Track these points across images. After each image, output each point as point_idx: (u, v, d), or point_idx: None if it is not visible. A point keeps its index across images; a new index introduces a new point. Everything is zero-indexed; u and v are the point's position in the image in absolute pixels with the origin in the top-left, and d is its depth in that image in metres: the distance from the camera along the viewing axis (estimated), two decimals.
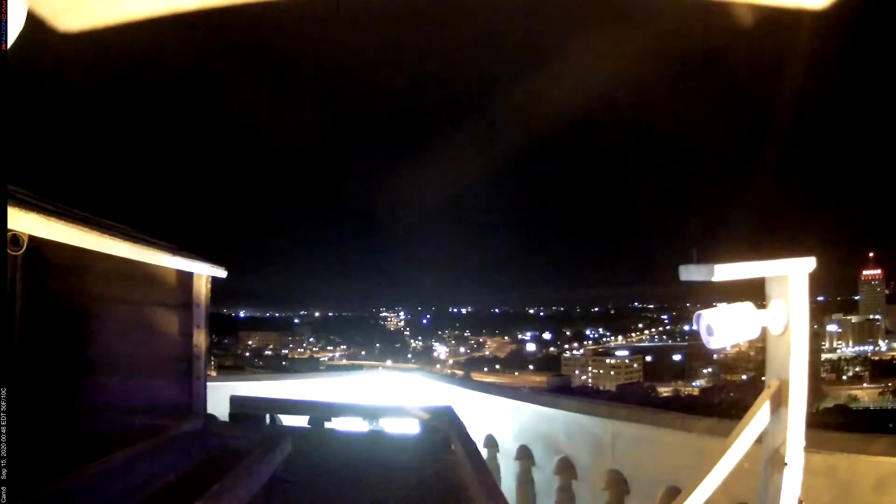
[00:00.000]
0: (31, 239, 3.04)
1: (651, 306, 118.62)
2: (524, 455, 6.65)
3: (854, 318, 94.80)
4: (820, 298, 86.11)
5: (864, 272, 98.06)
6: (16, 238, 2.95)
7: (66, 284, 3.93)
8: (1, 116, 1.76)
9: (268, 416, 6.59)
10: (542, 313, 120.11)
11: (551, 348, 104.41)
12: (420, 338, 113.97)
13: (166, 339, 5.15)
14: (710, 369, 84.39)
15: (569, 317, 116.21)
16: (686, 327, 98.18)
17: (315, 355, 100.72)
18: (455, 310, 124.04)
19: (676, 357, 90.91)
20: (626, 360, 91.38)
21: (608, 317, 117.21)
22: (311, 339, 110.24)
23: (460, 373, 67.32)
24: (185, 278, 5.24)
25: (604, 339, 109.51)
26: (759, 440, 2.15)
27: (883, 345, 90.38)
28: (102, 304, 4.39)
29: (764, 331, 2.15)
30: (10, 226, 2.73)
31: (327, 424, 6.40)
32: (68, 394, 3.82)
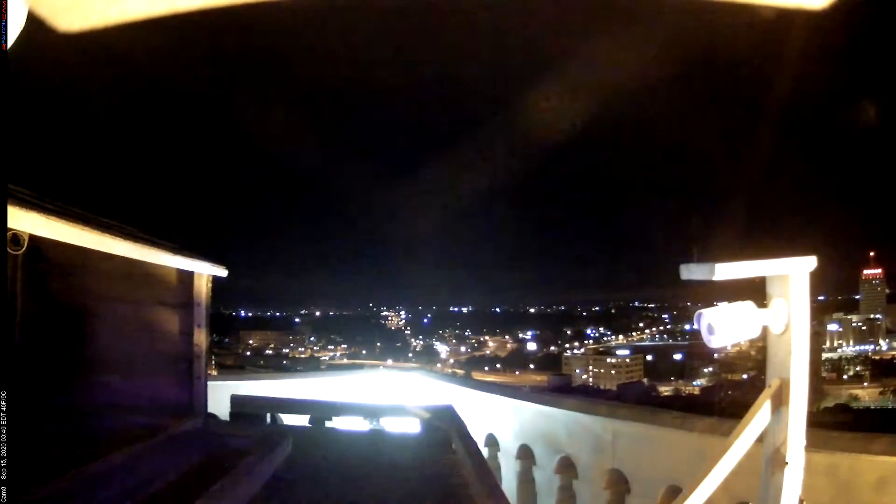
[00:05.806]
0: (32, 238, 3.04)
1: (652, 305, 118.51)
2: (525, 454, 6.65)
3: (855, 318, 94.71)
4: (821, 298, 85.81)
5: (865, 271, 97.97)
6: (16, 237, 2.95)
7: (66, 284, 3.92)
8: (1, 116, 1.76)
9: (268, 415, 6.60)
10: (542, 312, 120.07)
11: (552, 347, 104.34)
12: (421, 337, 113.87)
13: (167, 339, 5.15)
14: (710, 368, 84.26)
15: (569, 316, 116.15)
16: (687, 326, 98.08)
17: (316, 354, 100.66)
18: (455, 309, 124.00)
19: (677, 356, 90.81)
20: (627, 360, 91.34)
21: (609, 316, 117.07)
22: (311, 339, 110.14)
23: (461, 372, 67.22)
24: (186, 277, 5.25)
25: (604, 339, 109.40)
26: (760, 439, 2.15)
27: (884, 344, 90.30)
28: (103, 303, 4.38)
29: (765, 330, 2.15)
30: (10, 225, 2.74)
31: (328, 424, 6.41)
32: (68, 394, 3.81)
